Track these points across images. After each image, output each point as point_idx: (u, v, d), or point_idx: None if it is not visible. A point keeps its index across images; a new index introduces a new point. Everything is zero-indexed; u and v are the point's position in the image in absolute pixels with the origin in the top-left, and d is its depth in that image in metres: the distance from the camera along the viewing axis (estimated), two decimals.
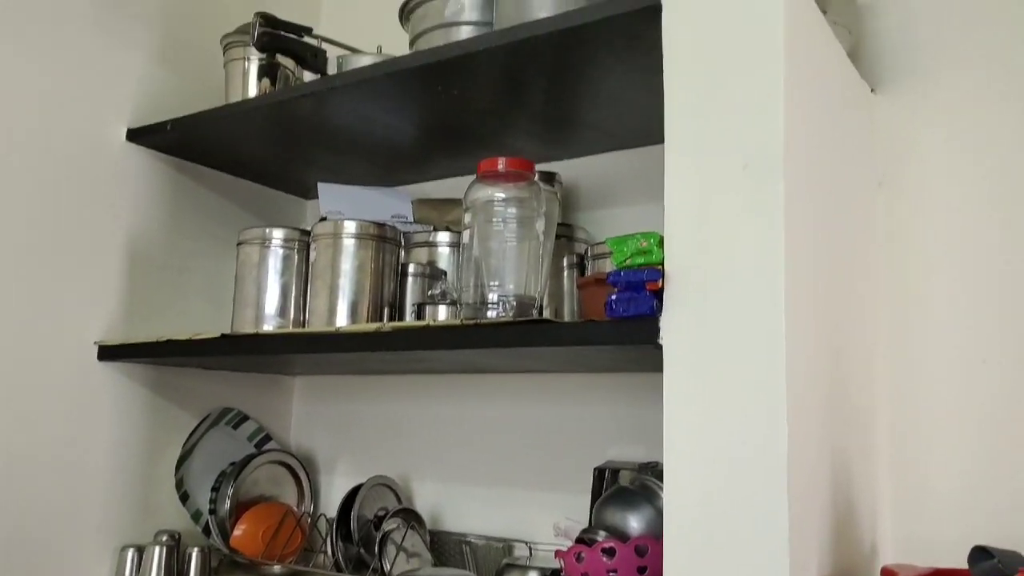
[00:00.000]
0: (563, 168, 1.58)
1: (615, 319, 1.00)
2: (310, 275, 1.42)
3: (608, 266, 1.34)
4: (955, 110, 1.24)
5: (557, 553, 1.24)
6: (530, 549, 1.48)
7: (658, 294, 0.97)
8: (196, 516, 1.63)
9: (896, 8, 1.31)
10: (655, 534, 1.20)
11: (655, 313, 0.96)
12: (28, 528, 1.42)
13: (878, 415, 1.20)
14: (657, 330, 0.96)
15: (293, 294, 1.46)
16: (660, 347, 0.96)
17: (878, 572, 1.13)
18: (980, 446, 1.14)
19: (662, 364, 0.96)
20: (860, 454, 1.11)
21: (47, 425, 1.46)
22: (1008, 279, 1.16)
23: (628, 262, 1.01)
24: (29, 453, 1.43)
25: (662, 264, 0.97)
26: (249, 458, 1.69)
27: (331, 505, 1.73)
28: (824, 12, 1.13)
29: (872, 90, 1.29)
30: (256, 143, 1.62)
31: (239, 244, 1.51)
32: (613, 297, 1.00)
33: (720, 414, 0.91)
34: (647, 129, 1.44)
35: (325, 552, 1.65)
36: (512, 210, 1.24)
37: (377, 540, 1.51)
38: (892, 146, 1.27)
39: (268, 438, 1.80)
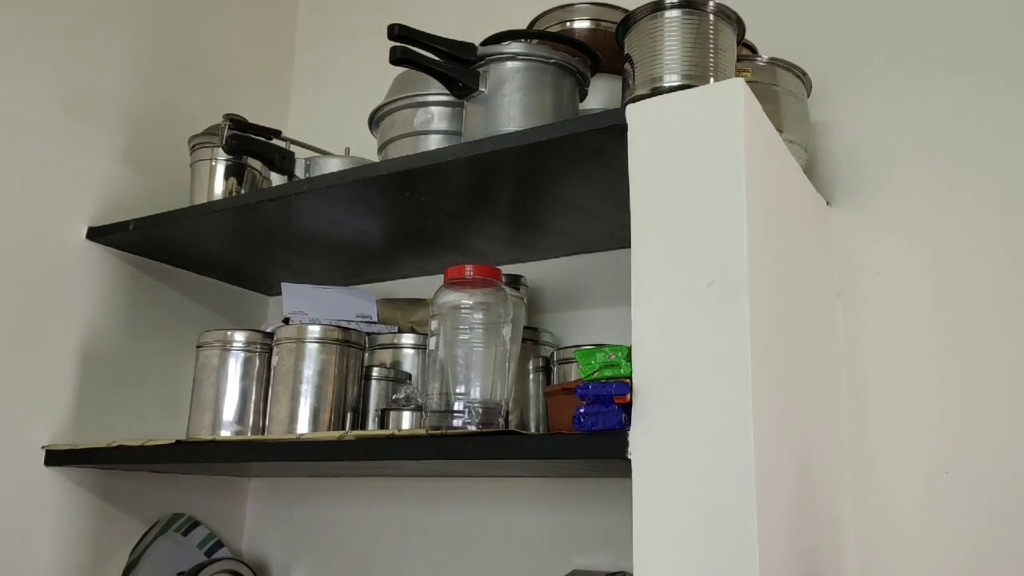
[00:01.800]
0: (529, 270, 1.59)
1: (583, 432, 0.99)
2: (271, 380, 1.39)
3: (574, 371, 1.34)
4: (906, 221, 1.29)
5: None
6: None
7: (626, 408, 0.96)
8: None
9: (847, 126, 1.37)
10: None
11: (624, 427, 0.96)
12: None
13: (845, 524, 1.19)
14: (626, 444, 0.95)
15: (253, 399, 1.43)
16: (629, 461, 0.95)
17: None
18: (945, 556, 1.14)
19: (630, 472, 0.95)
20: (829, 561, 1.10)
21: None
22: (966, 388, 1.18)
23: (596, 375, 1.01)
24: None
25: (630, 378, 0.98)
26: (199, 567, 1.62)
27: None
28: (780, 132, 1.18)
29: (828, 203, 1.34)
30: (220, 243, 1.61)
31: (199, 347, 1.48)
32: (581, 411, 0.99)
33: (690, 528, 0.89)
34: (613, 235, 1.47)
35: None
36: (479, 316, 1.24)
37: None
38: (848, 257, 1.31)
39: (220, 544, 1.73)
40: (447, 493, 1.61)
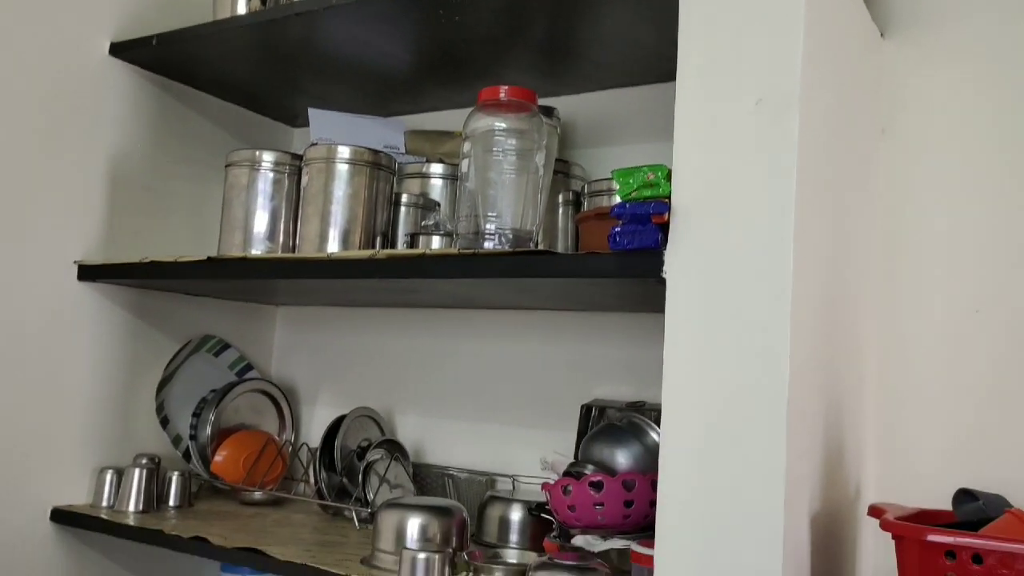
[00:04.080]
0: (561, 104, 1.55)
1: (618, 251, 0.98)
2: (301, 200, 1.39)
3: (606, 203, 1.33)
4: (962, 57, 1.22)
5: (544, 486, 1.24)
6: (513, 483, 1.48)
7: (663, 228, 0.96)
8: (176, 441, 1.62)
9: None
10: (642, 470, 1.21)
11: (659, 247, 0.95)
12: (4, 446, 1.40)
13: (868, 360, 1.21)
14: (661, 264, 0.95)
15: (283, 219, 1.43)
16: (663, 281, 0.95)
17: (861, 514, 1.15)
18: (969, 395, 1.16)
19: (658, 302, 0.95)
20: (851, 398, 1.13)
21: (25, 343, 1.43)
22: (1005, 231, 1.16)
23: (634, 195, 0.99)
24: (6, 371, 1.41)
25: (669, 197, 0.96)
26: (231, 386, 1.67)
27: (312, 436, 1.72)
28: None
29: (881, 34, 1.27)
30: (244, 64, 1.57)
31: (227, 166, 1.47)
32: (617, 229, 0.98)
33: (722, 350, 0.90)
34: (651, 68, 1.41)
35: (306, 481, 1.64)
36: (512, 141, 1.21)
37: (360, 470, 1.51)
38: (898, 92, 1.26)
39: (249, 367, 1.78)
40: (472, 325, 1.64)
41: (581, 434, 1.42)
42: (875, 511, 0.94)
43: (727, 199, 0.92)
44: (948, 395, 1.17)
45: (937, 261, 1.20)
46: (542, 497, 1.33)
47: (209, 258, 1.35)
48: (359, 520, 1.45)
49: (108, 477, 1.49)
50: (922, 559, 0.85)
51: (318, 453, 1.54)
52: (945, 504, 1.01)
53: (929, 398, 1.18)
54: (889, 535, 0.89)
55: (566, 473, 1.24)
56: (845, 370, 1.11)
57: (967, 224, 1.19)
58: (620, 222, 0.98)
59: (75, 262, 1.49)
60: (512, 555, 1.22)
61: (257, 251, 1.42)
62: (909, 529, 0.86)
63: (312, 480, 1.56)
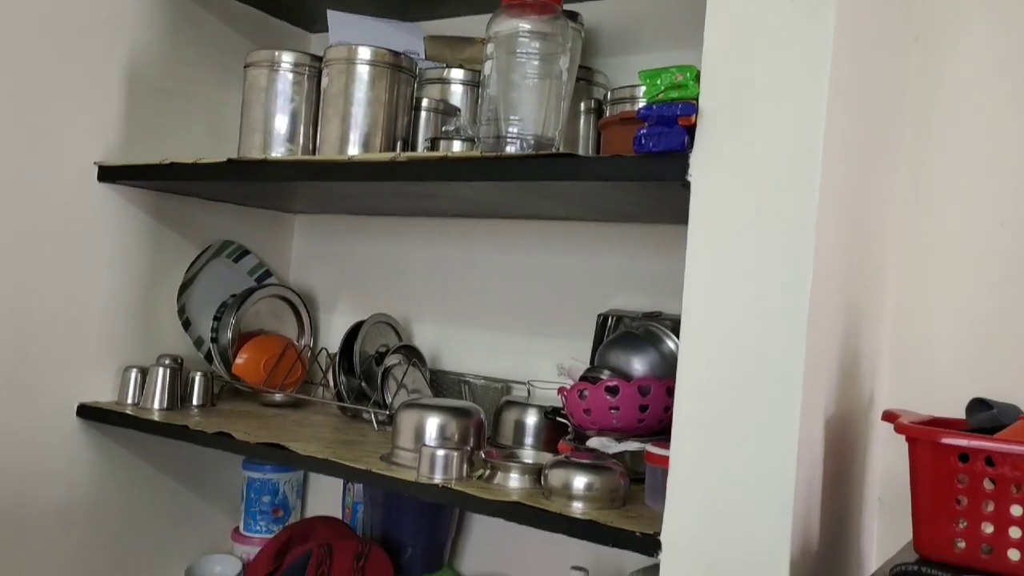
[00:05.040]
0: (584, 10, 1.51)
1: (643, 154, 0.97)
2: (321, 102, 1.37)
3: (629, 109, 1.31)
4: None
5: (560, 390, 1.26)
6: (529, 390, 1.51)
7: (690, 130, 0.94)
8: (198, 343, 1.64)
9: None
10: (658, 377, 1.22)
11: (685, 149, 0.94)
12: (29, 346, 1.43)
13: (889, 269, 1.20)
14: (686, 166, 0.94)
15: (303, 122, 1.41)
16: (687, 185, 0.94)
17: (873, 422, 1.17)
18: (988, 307, 1.15)
19: (678, 212, 0.94)
20: (869, 306, 1.13)
21: (47, 244, 1.44)
22: None
23: (660, 96, 0.98)
24: (30, 270, 1.42)
25: (697, 99, 0.94)
26: (251, 290, 1.69)
27: (330, 342, 1.75)
28: None
29: None
30: None
31: (246, 67, 1.45)
32: (643, 131, 0.97)
33: (745, 253, 0.90)
34: None
35: (325, 385, 1.68)
36: (536, 44, 1.19)
37: (379, 375, 1.53)
38: (932, 1, 1.22)
39: (268, 274, 1.80)
40: (490, 234, 1.64)
41: (597, 343, 1.43)
42: (889, 415, 0.95)
43: (756, 103, 0.90)
44: (967, 306, 1.17)
45: (964, 172, 1.18)
46: (557, 403, 1.35)
47: (229, 160, 1.34)
48: (378, 423, 1.48)
49: (132, 376, 1.52)
50: (935, 462, 0.86)
51: (337, 358, 1.57)
52: (959, 415, 1.02)
53: (947, 309, 1.18)
54: (901, 441, 0.90)
55: (582, 378, 1.26)
56: (865, 278, 1.11)
57: (996, 135, 1.17)
58: (646, 124, 0.97)
59: (95, 163, 1.49)
60: (528, 455, 1.25)
61: (277, 153, 1.41)
62: (924, 432, 0.87)
63: (331, 384, 1.59)
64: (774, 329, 0.88)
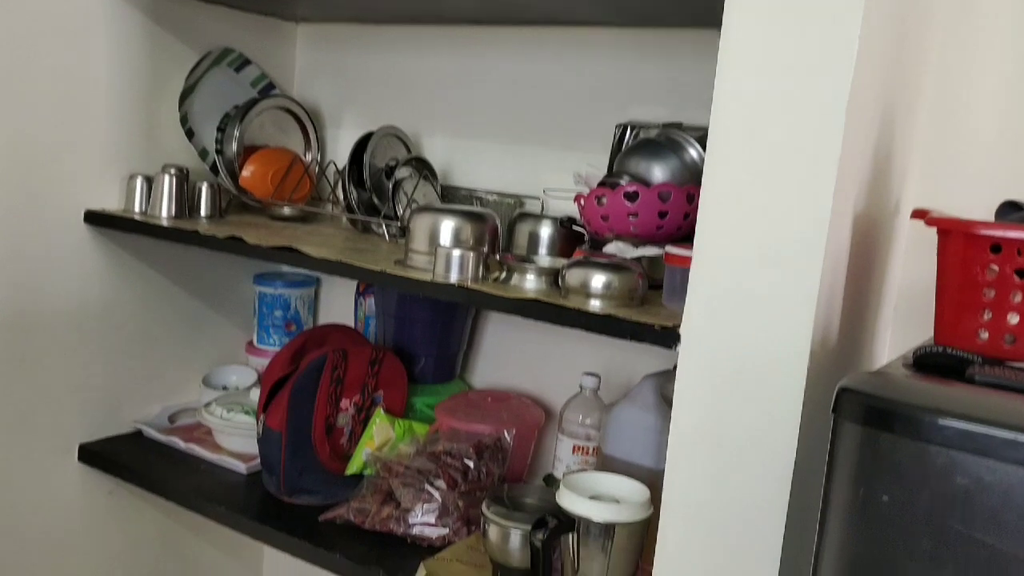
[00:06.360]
0: None
1: None
2: None
3: None
4: None
5: (577, 197, 1.23)
6: (543, 202, 1.48)
7: None
8: (203, 154, 1.60)
9: None
10: (678, 184, 1.19)
11: None
12: (32, 149, 1.39)
13: (927, 74, 1.15)
14: None
15: None
16: None
17: (898, 228, 1.15)
18: (1021, 112, 1.11)
19: (705, 14, 0.87)
20: (905, 110, 1.08)
21: (43, 43, 1.37)
22: None
23: None
24: (27, 72, 1.36)
25: None
26: (253, 101, 1.63)
27: (338, 157, 1.70)
28: None
29: None
30: None
31: None
32: None
33: (784, 43, 0.85)
34: None
35: (334, 201, 1.65)
36: None
37: (389, 188, 1.50)
38: None
39: (272, 86, 1.73)
40: (502, 43, 1.56)
41: (614, 155, 1.39)
42: (919, 212, 0.93)
43: None
44: (1003, 113, 1.12)
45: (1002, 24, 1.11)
46: (572, 215, 1.33)
47: None
48: (389, 234, 1.46)
49: (138, 183, 1.48)
50: (966, 254, 0.84)
51: (346, 170, 1.53)
52: (988, 217, 0.99)
53: (982, 112, 1.13)
54: (922, 251, 0.88)
55: (600, 184, 1.23)
56: (904, 80, 1.06)
57: None
58: None
59: None
60: (544, 261, 1.24)
61: None
62: (957, 223, 0.85)
63: (341, 198, 1.56)
64: (813, 118, 0.84)
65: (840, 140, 0.83)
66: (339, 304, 1.78)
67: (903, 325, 1.20)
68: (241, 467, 1.47)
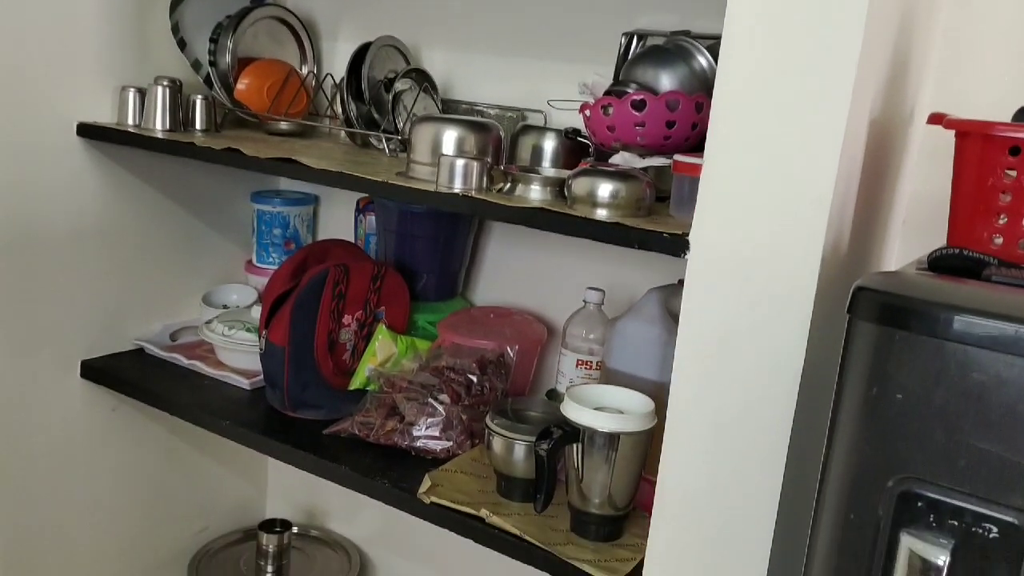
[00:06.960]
0: None
1: None
2: None
3: None
4: None
5: (582, 107, 1.20)
6: (545, 117, 1.45)
7: None
8: (196, 66, 1.55)
9: None
10: (687, 93, 1.16)
11: None
12: (22, 61, 1.34)
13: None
14: None
15: None
16: None
17: (911, 136, 1.13)
18: None
19: None
20: (923, 14, 1.05)
21: None
22: None
23: None
24: None
25: None
26: (246, 10, 1.58)
27: (335, 71, 1.66)
28: None
29: None
30: None
31: None
32: None
33: None
34: None
35: (332, 116, 1.61)
36: None
37: (389, 101, 1.47)
38: None
39: None
40: None
41: (620, 66, 1.35)
42: (936, 116, 0.90)
43: None
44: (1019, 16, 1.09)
45: None
46: (578, 121, 1.30)
47: None
48: (389, 149, 1.43)
49: (131, 96, 1.45)
50: (984, 154, 0.82)
51: (344, 82, 1.49)
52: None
53: (1000, 15, 1.10)
54: (934, 161, 0.86)
55: (606, 93, 1.20)
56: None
57: None
58: None
59: None
60: (549, 172, 1.21)
61: None
62: (975, 125, 0.83)
63: (339, 112, 1.52)
64: (830, 16, 0.81)
65: (860, 40, 0.80)
66: (339, 222, 1.76)
67: (911, 239, 1.19)
68: (244, 383, 1.48)
